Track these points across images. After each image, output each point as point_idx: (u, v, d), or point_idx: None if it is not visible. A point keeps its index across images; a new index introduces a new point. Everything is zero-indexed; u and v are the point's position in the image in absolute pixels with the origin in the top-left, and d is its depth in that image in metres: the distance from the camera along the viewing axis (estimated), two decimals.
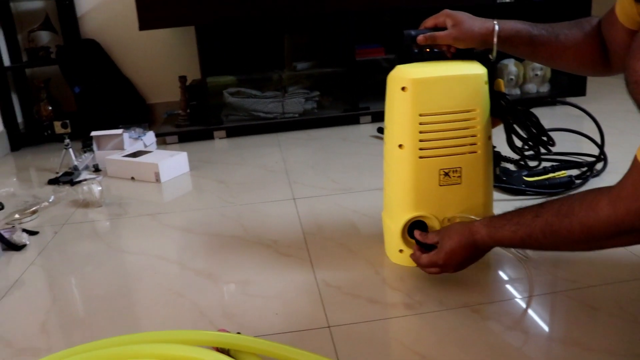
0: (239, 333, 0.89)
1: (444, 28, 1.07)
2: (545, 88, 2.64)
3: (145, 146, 2.14)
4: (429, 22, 1.09)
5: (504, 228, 0.92)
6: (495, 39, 1.05)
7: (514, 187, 1.47)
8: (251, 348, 0.83)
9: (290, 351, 0.82)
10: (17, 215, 1.60)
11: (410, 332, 0.93)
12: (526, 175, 1.51)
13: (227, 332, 0.88)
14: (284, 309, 1.01)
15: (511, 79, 2.58)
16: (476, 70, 1.06)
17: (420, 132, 1.04)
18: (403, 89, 1.03)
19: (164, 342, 0.85)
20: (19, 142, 2.54)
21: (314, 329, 0.94)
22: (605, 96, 2.60)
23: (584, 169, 1.60)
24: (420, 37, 1.08)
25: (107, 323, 1.03)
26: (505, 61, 2.58)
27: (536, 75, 2.59)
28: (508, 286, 1.04)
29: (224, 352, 0.84)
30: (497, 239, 0.94)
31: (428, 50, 1.12)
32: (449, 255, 0.99)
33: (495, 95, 1.10)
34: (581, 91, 2.56)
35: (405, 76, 1.03)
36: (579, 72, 1.11)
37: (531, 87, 2.62)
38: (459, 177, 1.08)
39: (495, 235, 0.93)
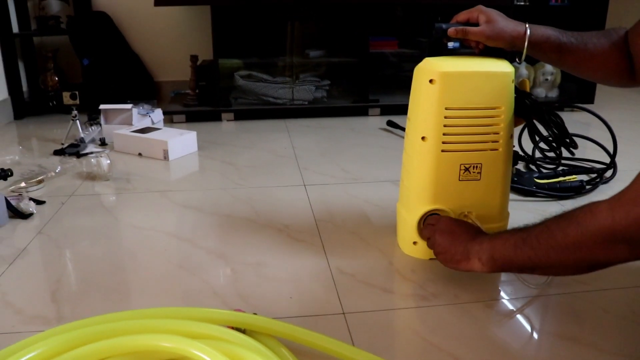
0: (255, 314, 0.88)
1: (476, 24, 1.07)
2: (554, 93, 2.65)
3: (153, 123, 2.13)
4: (462, 16, 1.09)
5: (502, 233, 0.92)
6: (525, 43, 1.05)
7: (525, 188, 1.48)
8: (270, 330, 0.83)
9: (309, 335, 0.82)
10: (23, 184, 1.59)
11: (425, 323, 0.93)
12: (537, 177, 1.52)
13: (244, 312, 0.88)
14: (298, 293, 1.01)
15: None
16: (504, 68, 1.06)
17: (445, 126, 1.04)
18: (431, 81, 1.03)
19: (180, 319, 0.85)
20: (23, 110, 2.52)
21: (328, 314, 0.94)
22: (613, 105, 2.62)
23: (594, 175, 1.61)
24: (451, 30, 1.07)
25: (118, 297, 1.02)
26: (515, 63, 2.58)
27: (546, 80, 2.60)
28: (521, 284, 1.05)
29: (240, 332, 0.84)
30: (492, 242, 0.91)
31: (449, 43, 1.12)
32: (439, 227, 1.02)
33: (520, 94, 1.10)
34: (590, 99, 2.57)
35: (434, 69, 1.03)
36: (605, 82, 1.12)
37: (540, 92, 2.62)
38: (479, 173, 1.08)
39: (492, 238, 0.92)
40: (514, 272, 0.95)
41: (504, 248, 0.88)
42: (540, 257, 0.82)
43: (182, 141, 1.90)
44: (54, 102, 2.55)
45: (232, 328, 0.84)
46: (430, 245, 1.04)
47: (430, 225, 1.06)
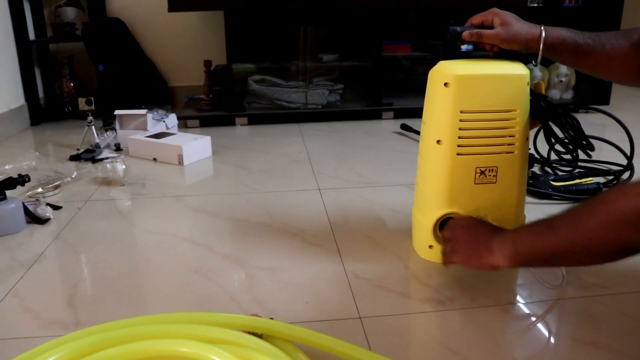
0: (271, 319, 0.88)
1: (490, 26, 1.07)
2: (568, 95, 2.63)
3: (167, 128, 2.14)
4: (476, 19, 1.09)
5: (526, 224, 0.91)
6: (541, 46, 1.04)
7: (541, 190, 1.47)
8: (286, 334, 0.83)
9: (325, 339, 0.82)
10: (40, 189, 1.60)
11: (442, 328, 0.92)
12: (553, 180, 1.50)
13: (260, 317, 0.88)
14: (314, 298, 1.01)
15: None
16: (519, 70, 1.05)
17: (460, 129, 1.04)
18: (446, 84, 1.03)
19: (197, 324, 0.85)
20: (39, 116, 2.55)
21: (345, 319, 0.94)
22: (629, 106, 2.59)
23: (611, 177, 1.59)
24: (466, 33, 1.07)
25: (134, 301, 1.03)
26: (531, 65, 2.56)
27: (560, 81, 2.58)
28: (539, 287, 1.04)
29: (257, 336, 0.84)
30: (515, 234, 0.89)
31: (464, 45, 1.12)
32: (460, 223, 1.01)
33: (535, 96, 1.10)
34: (605, 100, 2.54)
35: (448, 72, 1.03)
36: (624, 82, 1.10)
37: (555, 93, 2.60)
38: (495, 176, 1.07)
39: (515, 230, 0.90)
40: (538, 264, 0.91)
41: (527, 237, 0.86)
42: (565, 241, 0.79)
43: (197, 146, 1.91)
44: (70, 108, 2.57)
45: (249, 333, 0.85)
46: (451, 248, 0.99)
47: (451, 226, 1.04)
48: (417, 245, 1.18)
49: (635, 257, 1.12)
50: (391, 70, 2.69)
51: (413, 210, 1.20)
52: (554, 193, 1.46)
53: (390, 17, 2.57)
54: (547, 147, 1.66)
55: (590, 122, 2.30)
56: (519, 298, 1.02)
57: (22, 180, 1.37)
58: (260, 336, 0.84)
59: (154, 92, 2.76)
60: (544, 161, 1.70)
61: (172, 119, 2.20)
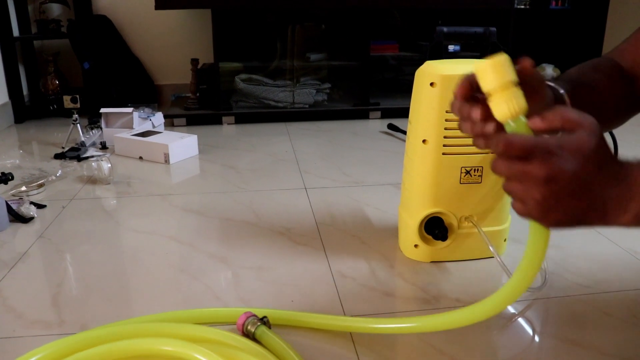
0: (264, 317, 0.88)
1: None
2: None
3: (154, 126, 2.13)
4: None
5: None
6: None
7: None
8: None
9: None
10: (24, 188, 1.59)
11: None
12: None
13: (254, 315, 0.88)
14: (300, 297, 1.01)
15: None
16: None
17: (446, 129, 1.04)
18: (432, 84, 1.03)
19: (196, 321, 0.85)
20: (23, 114, 2.52)
21: None
22: None
23: None
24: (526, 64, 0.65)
25: (119, 301, 1.02)
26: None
27: None
28: None
29: (249, 337, 0.84)
30: None
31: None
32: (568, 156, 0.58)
33: None
34: None
35: (434, 72, 1.03)
36: (620, 122, 0.92)
37: None
38: (480, 176, 1.08)
39: None
40: None
41: None
42: None
43: (183, 145, 1.91)
44: (55, 106, 2.55)
45: (243, 334, 0.84)
46: (543, 197, 0.59)
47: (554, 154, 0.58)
48: (403, 245, 1.19)
49: (616, 258, 1.15)
50: (378, 70, 2.70)
51: (399, 210, 1.20)
52: None
53: (378, 17, 2.58)
54: None
55: None
56: None
57: (5, 178, 1.36)
58: (253, 337, 0.83)
59: (141, 90, 2.74)
60: None
61: (158, 118, 2.19)
